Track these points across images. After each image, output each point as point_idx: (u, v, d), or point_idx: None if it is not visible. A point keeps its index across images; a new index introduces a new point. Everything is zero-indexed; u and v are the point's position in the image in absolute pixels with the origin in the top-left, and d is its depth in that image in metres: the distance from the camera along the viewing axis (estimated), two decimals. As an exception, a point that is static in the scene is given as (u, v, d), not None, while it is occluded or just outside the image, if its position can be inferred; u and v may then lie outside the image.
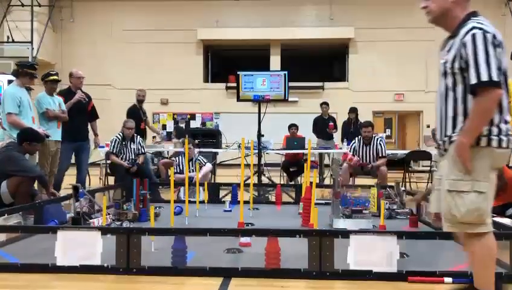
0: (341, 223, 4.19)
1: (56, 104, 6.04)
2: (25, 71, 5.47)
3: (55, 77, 6.01)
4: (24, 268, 2.98)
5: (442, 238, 3.43)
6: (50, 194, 5.00)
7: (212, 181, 8.09)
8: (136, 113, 8.00)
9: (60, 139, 6.06)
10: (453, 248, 3.57)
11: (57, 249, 2.97)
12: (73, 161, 6.55)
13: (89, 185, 8.78)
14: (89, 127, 6.95)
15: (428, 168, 8.70)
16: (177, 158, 7.61)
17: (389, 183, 6.34)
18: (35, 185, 5.09)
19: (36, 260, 3.05)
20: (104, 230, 3.10)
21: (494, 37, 2.13)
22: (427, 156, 8.92)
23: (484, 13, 2.27)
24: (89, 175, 9.14)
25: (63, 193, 6.49)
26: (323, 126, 9.91)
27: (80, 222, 4.15)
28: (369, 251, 2.86)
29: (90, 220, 4.18)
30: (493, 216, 3.64)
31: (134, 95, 8.49)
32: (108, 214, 4.45)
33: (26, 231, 3.75)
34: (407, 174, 8.62)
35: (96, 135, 7.06)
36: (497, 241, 3.10)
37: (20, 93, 5.46)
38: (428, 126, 15.82)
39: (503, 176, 4.05)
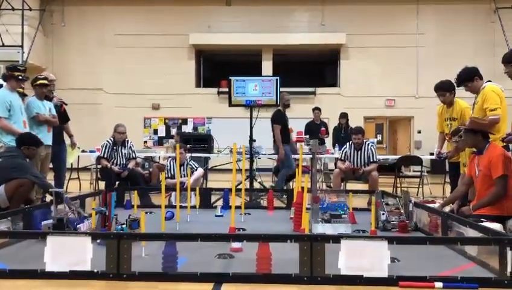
0: (320, 228, 4.19)
1: (46, 108, 6.01)
2: (9, 74, 5.46)
3: (43, 81, 5.98)
4: (12, 274, 2.95)
5: (432, 244, 3.47)
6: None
7: (204, 186, 8.07)
8: (281, 117, 7.71)
9: (51, 144, 6.02)
10: (443, 253, 3.61)
11: (46, 255, 2.94)
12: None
13: (79, 189, 8.73)
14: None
15: (419, 173, 8.74)
16: (168, 163, 7.58)
17: (397, 194, 6.26)
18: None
19: (25, 266, 3.02)
20: (94, 235, 3.08)
21: None
22: (418, 161, 8.98)
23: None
24: (79, 180, 9.11)
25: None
26: (315, 131, 9.94)
27: (62, 227, 3.92)
28: (360, 256, 2.86)
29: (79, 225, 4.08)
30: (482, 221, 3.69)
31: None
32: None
33: (15, 236, 3.71)
34: (398, 179, 8.66)
35: (71, 135, 7.00)
36: (486, 246, 3.15)
37: (10, 97, 5.42)
38: (419, 132, 15.94)
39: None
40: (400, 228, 4.52)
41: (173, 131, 15.75)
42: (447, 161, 5.83)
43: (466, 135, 4.49)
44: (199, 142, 9.08)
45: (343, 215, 4.27)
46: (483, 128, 4.41)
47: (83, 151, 9.49)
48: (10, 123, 5.33)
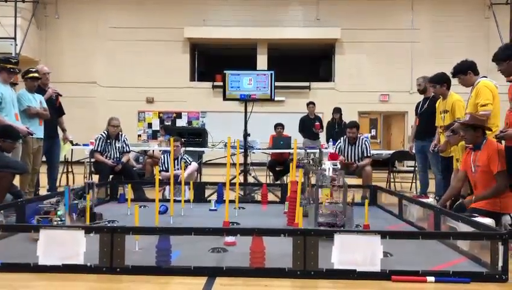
0: None
1: (37, 101, 5.96)
2: (1, 66, 5.40)
3: (34, 74, 5.94)
4: (5, 268, 2.93)
5: (425, 238, 3.48)
6: None
7: (198, 180, 8.06)
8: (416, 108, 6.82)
9: (42, 137, 5.97)
10: (435, 248, 3.63)
11: (39, 248, 2.93)
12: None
13: (73, 183, 8.70)
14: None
15: (413, 168, 8.77)
16: (162, 157, 7.57)
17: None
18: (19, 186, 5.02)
19: (18, 260, 3.01)
20: (88, 229, 3.07)
21: None
22: (411, 156, 9.00)
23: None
24: (73, 173, 9.07)
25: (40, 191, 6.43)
26: (309, 126, 9.96)
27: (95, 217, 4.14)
28: (353, 251, 2.87)
29: None
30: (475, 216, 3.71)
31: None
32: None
33: (8, 229, 3.69)
34: (391, 174, 8.69)
35: (64, 130, 6.96)
36: (478, 241, 3.17)
37: (2, 89, 5.35)
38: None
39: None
40: None
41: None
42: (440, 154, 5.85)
43: (466, 131, 4.43)
44: (193, 136, 9.04)
45: None
46: (482, 124, 4.40)
47: (77, 144, 9.43)
48: (1, 116, 5.28)
